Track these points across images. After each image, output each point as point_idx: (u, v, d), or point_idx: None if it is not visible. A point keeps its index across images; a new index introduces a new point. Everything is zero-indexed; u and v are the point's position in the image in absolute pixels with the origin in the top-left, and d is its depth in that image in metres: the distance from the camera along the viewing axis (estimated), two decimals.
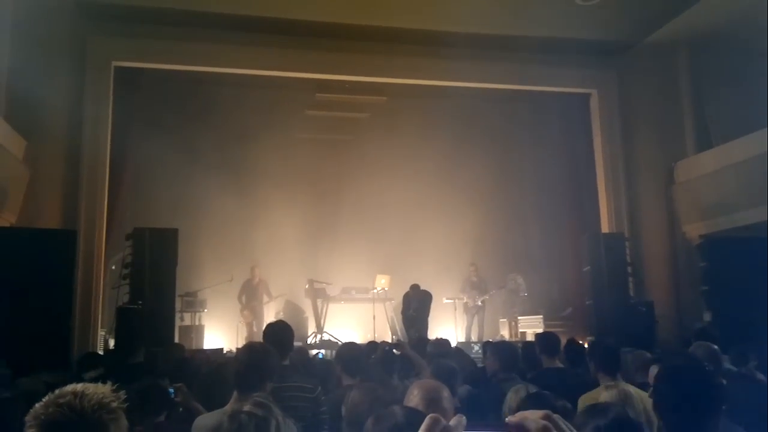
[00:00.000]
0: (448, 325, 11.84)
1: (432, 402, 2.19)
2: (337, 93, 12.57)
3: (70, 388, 1.57)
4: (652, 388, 2.39)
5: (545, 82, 11.99)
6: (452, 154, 12.63)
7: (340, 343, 10.34)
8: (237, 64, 11.08)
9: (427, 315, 10.55)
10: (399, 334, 11.47)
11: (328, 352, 10.11)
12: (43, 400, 1.55)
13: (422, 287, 10.77)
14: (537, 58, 11.50)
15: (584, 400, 3.27)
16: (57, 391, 1.56)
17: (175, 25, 10.52)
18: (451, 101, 12.81)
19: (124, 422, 1.62)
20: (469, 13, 10.43)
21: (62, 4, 9.84)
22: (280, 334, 3.85)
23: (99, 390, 1.59)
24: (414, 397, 2.24)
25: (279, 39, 10.81)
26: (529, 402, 2.69)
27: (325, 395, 3.68)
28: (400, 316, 11.06)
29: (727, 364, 4.67)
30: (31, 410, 1.54)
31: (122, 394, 1.62)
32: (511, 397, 3.02)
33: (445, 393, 2.26)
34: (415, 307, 10.35)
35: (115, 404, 1.58)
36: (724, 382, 2.31)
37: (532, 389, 3.02)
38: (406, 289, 10.87)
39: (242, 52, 10.83)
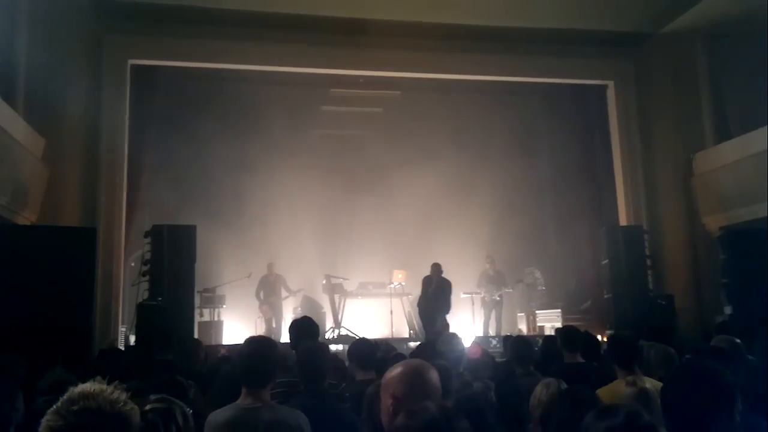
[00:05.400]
0: (466, 320, 11.81)
1: (417, 382, 2.08)
2: (352, 88, 12.58)
3: (78, 391, 1.52)
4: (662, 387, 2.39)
5: (562, 74, 11.90)
6: (468, 147, 12.58)
7: (357, 338, 10.37)
8: (252, 61, 11.13)
9: (446, 305, 10.22)
10: (416, 328, 11.46)
11: (346, 347, 10.13)
12: (54, 407, 1.49)
13: None
14: (553, 50, 11.41)
15: (602, 394, 3.22)
16: (66, 397, 1.51)
17: (189, 23, 10.57)
18: (466, 95, 12.77)
19: (138, 419, 1.60)
20: (484, 5, 10.38)
21: (79, 4, 9.90)
22: (305, 330, 3.86)
23: (107, 388, 1.57)
24: (395, 375, 2.11)
25: (293, 35, 10.80)
26: (562, 399, 2.66)
27: (348, 391, 3.69)
28: (416, 309, 10.88)
29: (750, 357, 4.62)
30: (43, 421, 1.47)
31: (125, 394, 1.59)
32: (541, 391, 2.96)
33: (433, 374, 2.13)
34: (437, 281, 10.04)
35: (126, 408, 1.53)
36: (733, 379, 2.28)
37: (563, 384, 2.96)
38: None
39: (257, 49, 10.86)
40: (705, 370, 2.23)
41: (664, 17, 11.12)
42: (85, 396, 1.50)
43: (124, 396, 1.55)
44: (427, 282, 10.00)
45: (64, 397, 1.51)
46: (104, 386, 1.55)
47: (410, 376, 2.10)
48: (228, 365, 4.91)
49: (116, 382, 1.59)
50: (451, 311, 10.20)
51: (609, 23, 11.15)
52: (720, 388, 2.15)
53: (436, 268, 10.03)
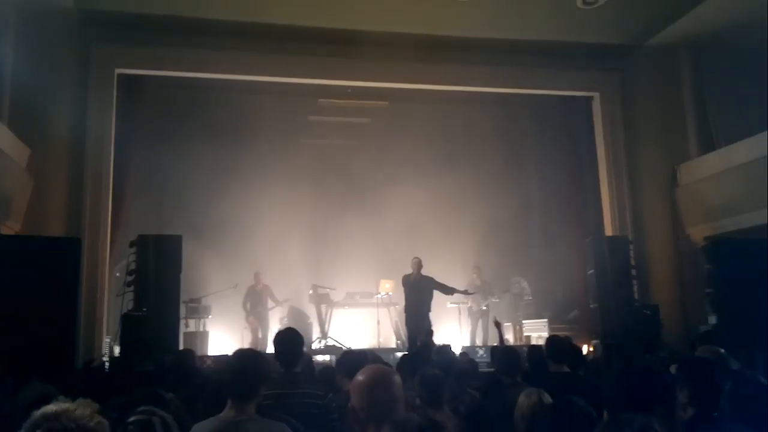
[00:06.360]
0: (453, 329, 11.81)
1: (380, 389, 2.08)
2: (339, 98, 12.60)
3: (40, 413, 1.53)
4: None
5: (548, 85, 11.99)
6: (455, 158, 12.64)
7: (344, 348, 10.33)
8: (239, 71, 11.11)
9: (447, 291, 10.11)
10: (403, 338, 11.43)
11: (333, 357, 10.08)
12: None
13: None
14: (539, 61, 11.50)
15: None
16: (29, 422, 1.52)
17: (177, 33, 10.55)
18: (453, 105, 12.83)
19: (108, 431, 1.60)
20: (471, 17, 10.45)
21: (66, 13, 9.87)
22: (291, 341, 3.85)
23: (72, 406, 1.56)
24: (359, 384, 2.11)
25: (280, 45, 10.82)
26: (554, 409, 2.65)
27: (335, 402, 3.67)
28: (404, 319, 10.82)
29: (735, 367, 4.64)
30: None
31: (97, 413, 1.59)
32: (523, 402, 2.95)
33: (396, 378, 2.14)
34: (415, 276, 9.83)
35: (91, 423, 1.55)
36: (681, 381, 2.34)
37: (545, 395, 2.96)
38: None
39: (244, 59, 10.86)
40: (641, 371, 2.30)
41: (649, 30, 11.25)
42: (47, 418, 1.51)
43: (89, 411, 1.55)
44: (405, 279, 9.94)
45: (27, 422, 1.51)
46: (68, 405, 1.55)
47: (368, 387, 2.09)
48: (217, 376, 4.88)
49: (80, 398, 1.59)
50: (454, 294, 10.27)
51: (595, 36, 11.27)
52: (656, 387, 2.22)
53: (416, 261, 9.96)
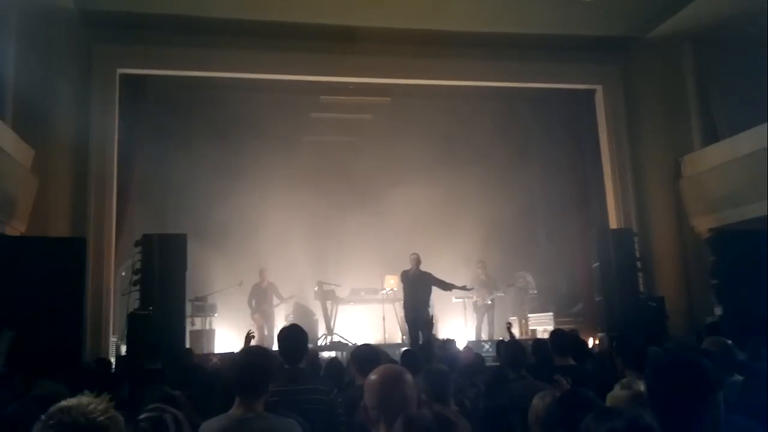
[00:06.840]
0: (459, 324, 11.83)
1: (391, 388, 2.12)
2: (342, 95, 12.59)
3: (57, 407, 1.57)
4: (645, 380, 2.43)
5: (550, 79, 11.97)
6: (458, 153, 12.63)
7: (350, 344, 10.35)
8: (241, 69, 11.12)
9: (445, 286, 10.04)
10: (407, 334, 11.44)
11: (339, 353, 10.11)
12: (35, 427, 1.56)
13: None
14: (541, 55, 11.48)
15: (612, 399, 3.21)
16: (44, 415, 1.56)
17: (178, 32, 10.56)
18: (456, 101, 12.81)
19: (121, 428, 1.63)
20: (472, 11, 10.44)
21: (67, 14, 9.87)
22: (294, 337, 3.86)
23: (85, 401, 1.58)
24: (371, 383, 2.15)
25: (282, 42, 10.82)
26: (563, 401, 2.65)
27: (340, 397, 3.68)
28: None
29: (742, 358, 4.63)
30: None
31: (111, 406, 1.61)
32: (537, 404, 2.93)
33: (408, 377, 2.17)
34: (414, 272, 9.75)
35: (101, 418, 1.56)
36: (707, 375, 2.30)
37: (558, 394, 2.94)
38: None
39: (246, 57, 10.86)
40: (683, 362, 2.26)
41: (651, 21, 11.20)
42: (60, 411, 1.54)
43: (102, 406, 1.57)
44: (404, 274, 9.92)
45: (42, 415, 1.56)
46: (82, 399, 1.58)
47: (380, 386, 2.13)
48: (225, 374, 4.89)
49: (104, 393, 1.61)
50: (452, 290, 10.18)
51: (596, 28, 11.22)
52: (699, 378, 2.17)
53: (414, 257, 9.91)
